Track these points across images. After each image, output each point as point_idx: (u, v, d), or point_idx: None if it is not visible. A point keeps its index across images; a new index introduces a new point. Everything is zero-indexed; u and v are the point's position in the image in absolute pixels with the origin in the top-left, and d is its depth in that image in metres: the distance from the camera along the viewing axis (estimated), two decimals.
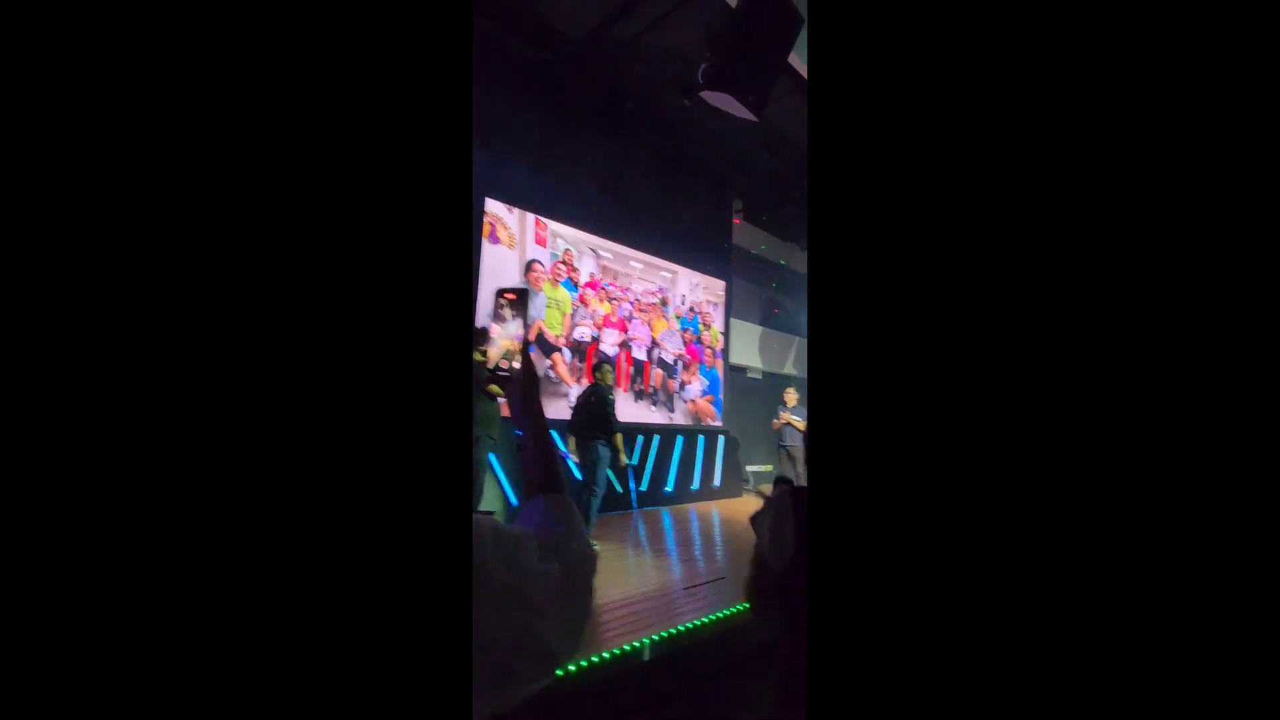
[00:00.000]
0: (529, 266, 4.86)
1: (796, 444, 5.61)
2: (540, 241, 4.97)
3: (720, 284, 6.80)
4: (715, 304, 6.75)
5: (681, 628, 2.48)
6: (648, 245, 5.89)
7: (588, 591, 0.53)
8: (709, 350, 6.59)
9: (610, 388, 4.11)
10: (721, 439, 6.55)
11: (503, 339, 0.63)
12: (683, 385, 6.20)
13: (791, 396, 5.83)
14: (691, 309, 6.42)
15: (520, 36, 4.42)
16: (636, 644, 2.30)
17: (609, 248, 5.56)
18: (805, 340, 8.18)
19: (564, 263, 5.13)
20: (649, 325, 5.90)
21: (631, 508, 5.27)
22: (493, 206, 4.57)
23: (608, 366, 4.22)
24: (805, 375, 7.81)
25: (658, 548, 4.07)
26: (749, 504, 6.11)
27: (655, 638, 2.36)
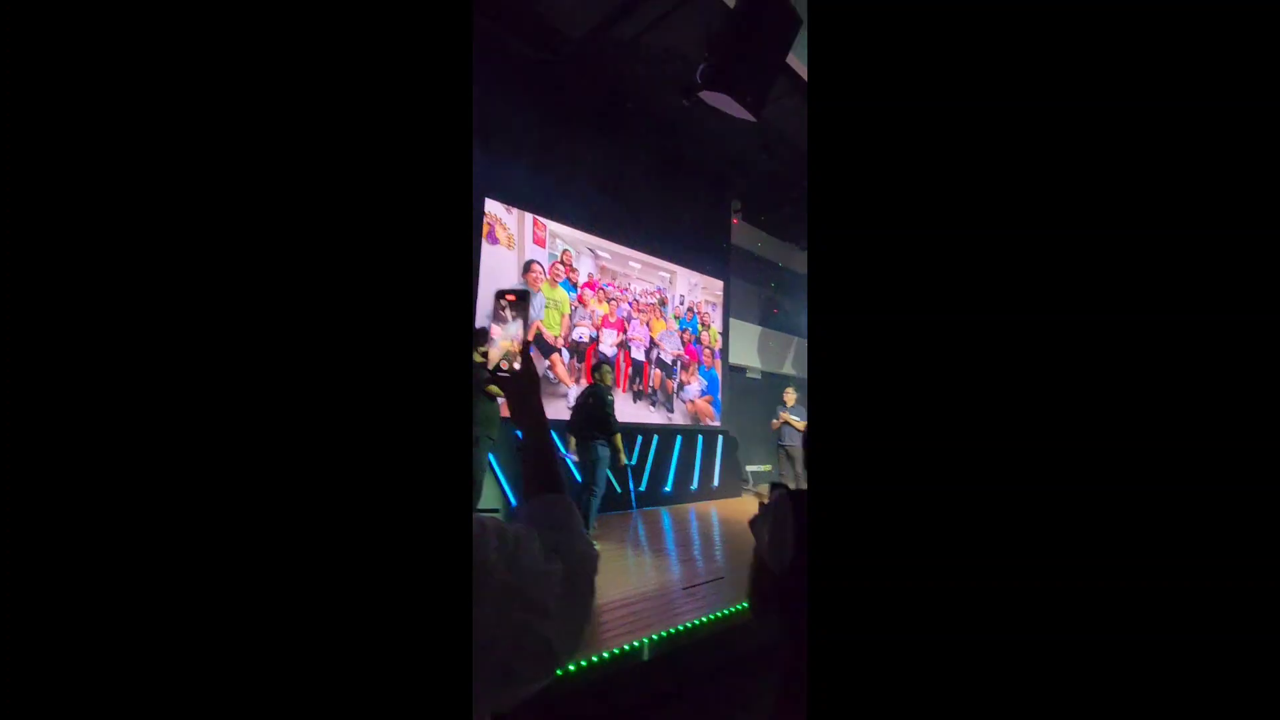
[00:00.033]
0: (527, 267, 4.86)
1: (795, 444, 5.62)
2: (539, 242, 4.96)
3: (719, 284, 6.81)
4: (714, 304, 6.75)
5: (680, 627, 2.48)
6: (646, 245, 5.90)
7: (589, 591, 0.53)
8: (707, 350, 6.60)
9: (609, 388, 4.11)
10: (720, 439, 6.55)
11: (503, 340, 0.63)
12: (681, 386, 6.20)
13: (790, 396, 5.84)
14: (690, 309, 6.42)
15: (519, 36, 4.42)
16: (636, 644, 2.30)
17: (608, 248, 5.55)
18: (803, 340, 8.22)
19: (562, 263, 5.13)
20: (647, 325, 5.90)
21: (631, 508, 5.27)
22: (491, 206, 4.57)
23: (607, 367, 4.23)
24: (804, 375, 7.84)
25: (657, 548, 4.07)
26: (748, 504, 6.12)
27: (654, 637, 2.36)
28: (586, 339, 5.26)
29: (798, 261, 8.52)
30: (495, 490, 4.26)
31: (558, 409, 4.71)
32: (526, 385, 0.62)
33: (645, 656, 2.31)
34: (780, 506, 1.03)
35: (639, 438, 5.51)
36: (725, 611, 2.69)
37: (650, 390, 5.86)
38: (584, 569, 0.52)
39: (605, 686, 2.16)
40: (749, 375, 7.61)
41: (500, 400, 3.43)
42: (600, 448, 3.88)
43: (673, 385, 6.10)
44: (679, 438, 5.99)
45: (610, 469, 4.08)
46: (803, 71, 4.47)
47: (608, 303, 5.51)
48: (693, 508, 5.78)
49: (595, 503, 3.90)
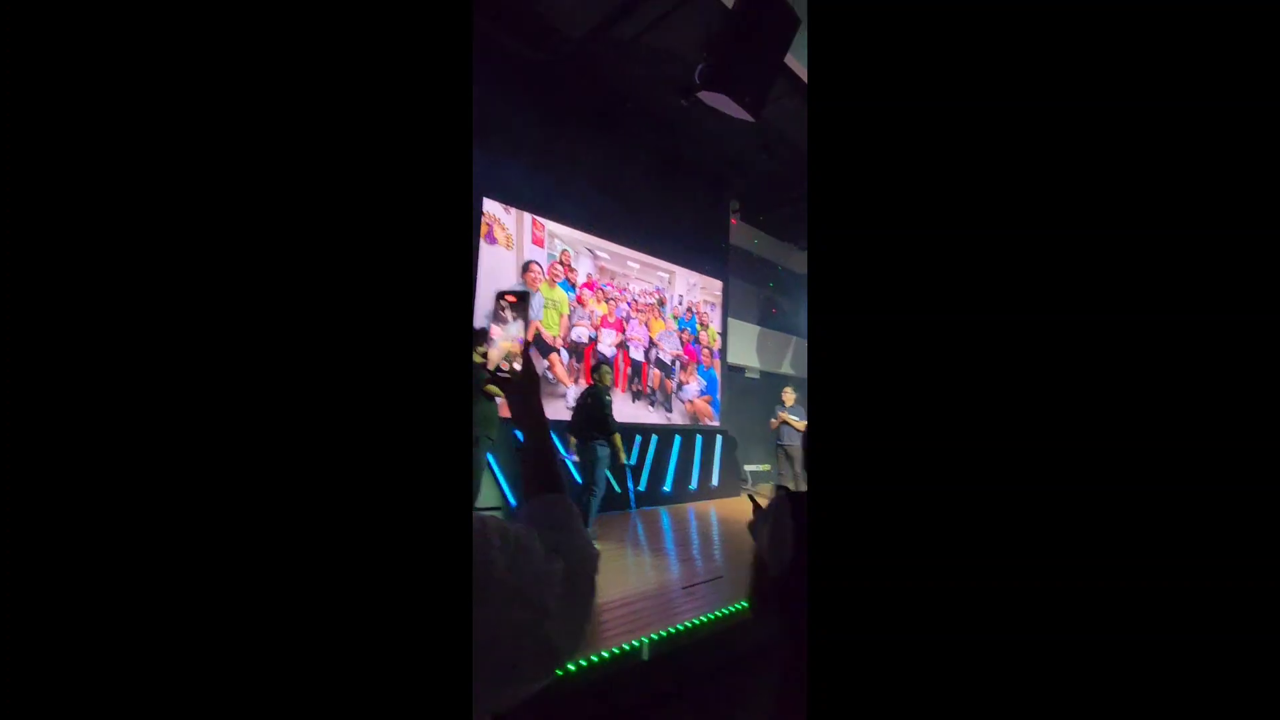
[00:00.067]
0: (526, 267, 4.85)
1: (794, 443, 5.62)
2: (537, 242, 4.96)
3: (717, 284, 6.81)
4: (712, 304, 6.75)
5: (680, 627, 2.48)
6: (645, 245, 5.89)
7: (590, 590, 0.53)
8: (706, 350, 6.60)
9: (608, 388, 4.11)
10: (719, 439, 6.55)
11: (504, 340, 0.63)
12: (680, 386, 6.20)
13: (789, 396, 5.84)
14: (689, 309, 6.42)
15: (518, 36, 4.42)
16: (635, 643, 2.30)
17: (606, 248, 5.55)
18: (802, 340, 8.23)
19: (561, 263, 5.13)
20: (646, 326, 5.90)
21: (630, 507, 5.27)
22: (490, 207, 4.57)
23: (606, 367, 4.23)
24: (802, 375, 7.84)
25: (656, 547, 4.07)
26: (746, 503, 6.11)
27: (654, 637, 2.36)
28: (585, 339, 5.26)
29: (796, 261, 8.52)
30: (493, 490, 4.26)
31: (556, 409, 4.71)
32: (527, 386, 0.62)
33: (645, 656, 2.31)
34: (779, 507, 1.03)
35: (638, 437, 5.51)
36: (724, 611, 2.69)
37: (649, 390, 5.86)
38: (585, 568, 0.52)
39: (605, 686, 2.16)
40: (748, 375, 7.61)
41: (499, 400, 3.43)
42: (599, 448, 3.89)
43: (671, 385, 6.10)
44: (678, 438, 5.99)
45: (610, 469, 4.08)
46: (801, 72, 4.47)
47: (606, 303, 5.51)
48: (691, 507, 5.78)
49: (595, 503, 3.90)
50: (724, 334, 6.89)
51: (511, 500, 4.28)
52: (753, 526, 1.23)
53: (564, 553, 0.50)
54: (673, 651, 2.41)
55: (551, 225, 5.07)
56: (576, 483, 4.11)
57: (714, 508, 5.81)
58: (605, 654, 2.18)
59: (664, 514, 5.29)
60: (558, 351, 5.01)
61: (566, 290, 5.16)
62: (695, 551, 4.04)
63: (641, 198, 5.78)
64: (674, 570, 3.44)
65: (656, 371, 5.94)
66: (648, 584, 3.09)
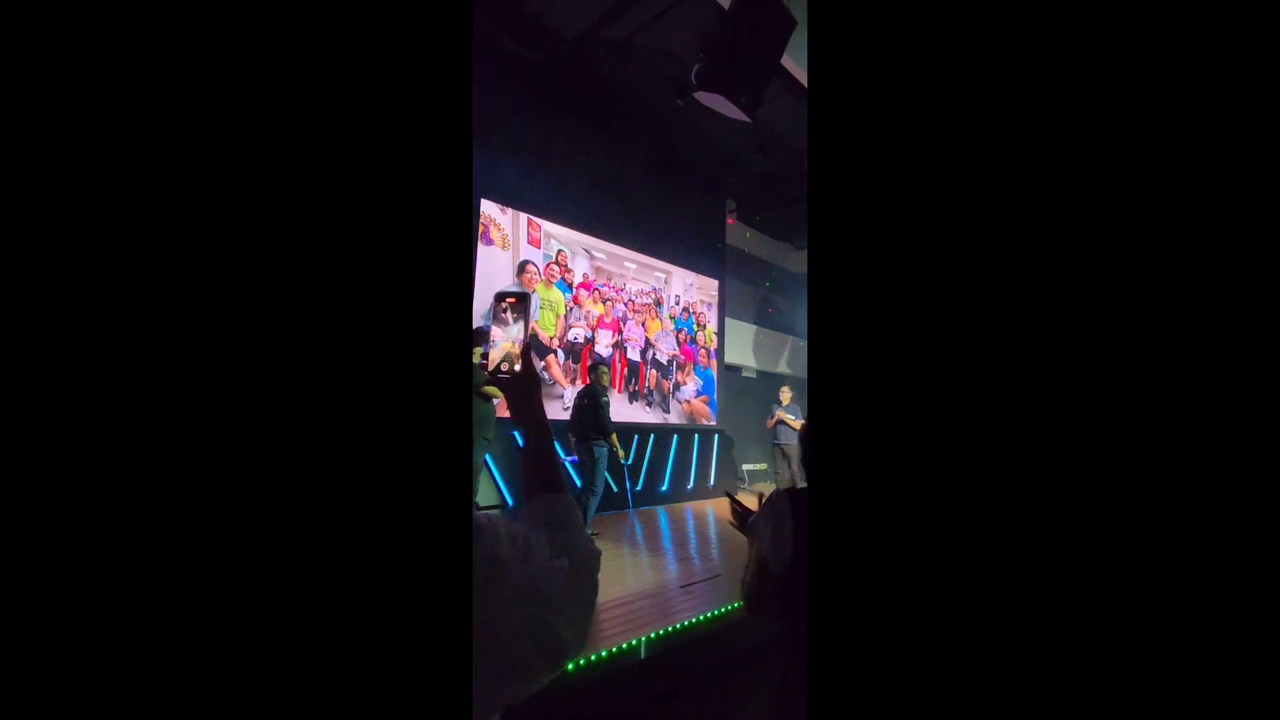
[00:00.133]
0: (522, 267, 4.84)
1: (791, 442, 5.63)
2: (533, 242, 4.95)
3: (714, 284, 6.81)
4: (709, 304, 6.75)
5: (677, 626, 2.49)
6: (642, 245, 5.89)
7: (593, 588, 0.54)
8: (703, 350, 6.60)
9: (605, 389, 4.11)
10: (716, 438, 6.56)
11: (504, 342, 0.63)
12: (677, 386, 6.20)
13: (786, 395, 5.85)
14: (686, 309, 6.42)
15: (514, 36, 4.42)
16: (633, 642, 2.30)
17: (603, 248, 5.55)
18: (798, 339, 8.24)
19: (557, 263, 5.12)
20: (643, 326, 5.90)
21: (628, 507, 5.27)
22: (486, 207, 4.56)
23: (603, 368, 4.23)
24: (798, 374, 7.85)
25: (654, 546, 4.08)
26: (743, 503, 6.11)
27: (651, 636, 2.36)
28: (582, 340, 5.26)
29: (792, 261, 8.54)
30: (491, 489, 4.26)
31: (553, 410, 4.70)
32: (527, 387, 0.63)
33: (642, 655, 2.31)
34: (779, 505, 1.03)
35: (635, 437, 5.52)
36: (722, 610, 2.69)
37: (646, 391, 5.86)
38: (587, 566, 0.53)
39: (603, 685, 2.16)
40: (744, 374, 7.62)
41: (496, 401, 3.43)
42: (597, 449, 3.90)
43: (668, 385, 6.10)
44: (675, 437, 5.99)
45: (608, 469, 4.08)
46: (796, 72, 4.48)
47: (603, 303, 5.51)
48: (689, 506, 5.78)
49: (594, 502, 3.91)
50: (720, 334, 6.89)
51: (509, 500, 4.28)
52: (740, 524, 1.23)
53: (567, 551, 0.51)
54: (670, 650, 2.41)
55: (548, 225, 5.06)
56: (575, 484, 4.11)
57: (711, 507, 5.81)
58: (603, 653, 2.18)
59: (661, 513, 5.30)
60: (554, 352, 5.01)
61: (563, 291, 5.16)
62: (692, 551, 4.04)
63: (638, 198, 5.78)
64: (671, 569, 3.45)
65: (653, 372, 5.94)
66: (645, 583, 3.09)
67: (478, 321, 3.97)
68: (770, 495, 1.08)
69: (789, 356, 8.31)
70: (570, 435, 4.04)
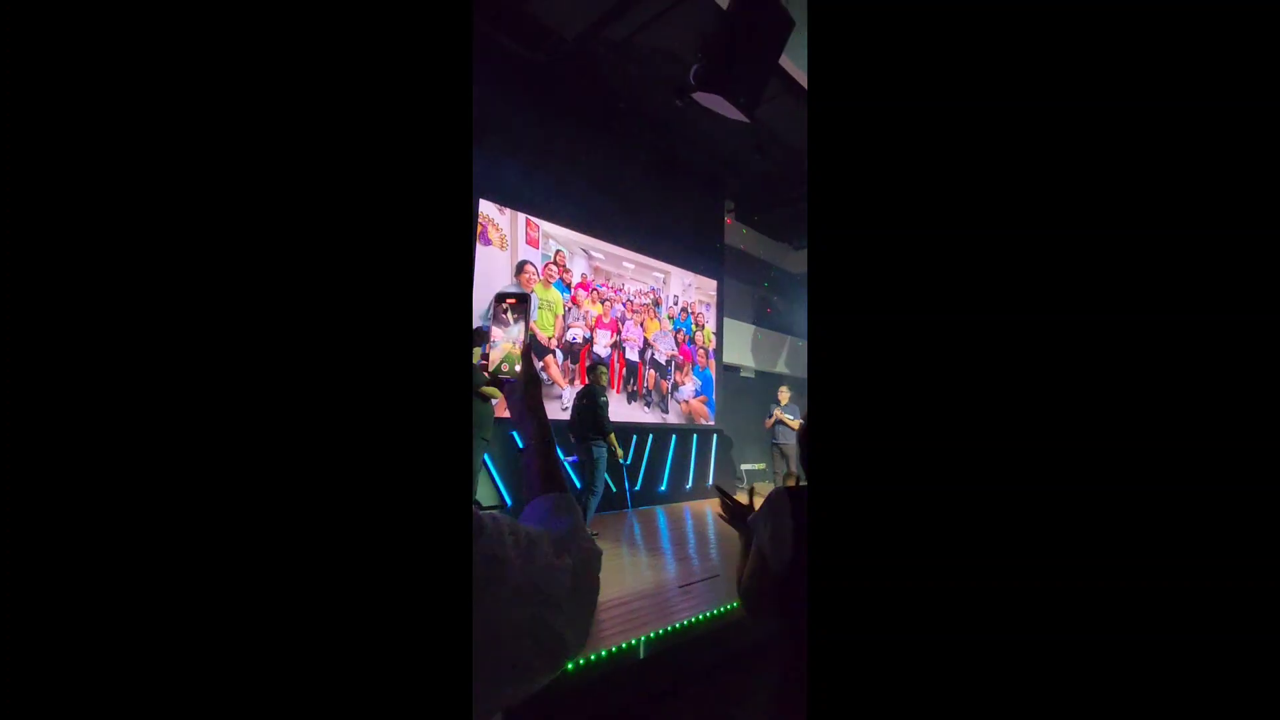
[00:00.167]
0: (520, 268, 4.84)
1: (789, 441, 5.64)
2: (532, 243, 4.95)
3: (712, 284, 6.81)
4: (708, 304, 6.75)
5: (676, 625, 2.49)
6: (640, 246, 5.89)
7: (594, 586, 0.55)
8: (702, 351, 6.60)
9: (603, 389, 4.11)
10: (715, 438, 6.56)
11: (505, 343, 0.63)
12: (676, 386, 6.20)
13: (784, 395, 5.86)
14: (684, 309, 6.42)
15: (512, 36, 4.41)
16: (632, 642, 2.30)
17: (601, 248, 5.55)
18: (796, 339, 8.24)
19: (556, 264, 5.12)
20: (641, 326, 5.90)
21: (627, 507, 5.28)
22: (484, 207, 4.55)
23: (602, 368, 4.23)
24: (796, 374, 7.86)
25: (652, 546, 4.08)
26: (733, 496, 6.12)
27: (650, 636, 2.36)
28: (580, 340, 5.26)
29: (791, 261, 8.55)
30: (489, 489, 4.26)
31: (552, 410, 4.70)
32: (528, 387, 0.63)
33: (641, 655, 2.31)
34: (779, 503, 1.03)
35: (633, 437, 5.52)
36: (721, 609, 2.70)
37: (645, 391, 5.86)
38: (589, 565, 0.54)
39: (602, 685, 2.16)
40: (743, 374, 7.63)
41: (495, 401, 3.43)
42: (596, 449, 3.90)
43: (667, 386, 6.10)
44: (674, 437, 6.00)
45: (608, 469, 4.09)
46: (795, 73, 4.49)
47: (601, 303, 5.51)
48: (687, 506, 5.79)
49: (594, 502, 3.91)
50: (719, 334, 6.89)
51: (508, 500, 4.28)
52: (730, 518, 1.23)
53: (569, 551, 0.51)
54: (669, 650, 2.41)
55: (546, 226, 5.06)
56: (574, 484, 4.11)
57: (709, 507, 5.82)
58: (603, 653, 2.18)
59: (660, 513, 5.30)
60: (553, 353, 5.01)
61: (561, 291, 5.15)
62: (691, 550, 4.04)
63: (636, 198, 5.78)
64: (670, 569, 3.45)
65: (652, 372, 5.94)
66: (644, 583, 3.10)
67: (476, 322, 3.97)
68: (770, 494, 1.08)
69: (787, 356, 8.32)
70: (570, 435, 4.04)
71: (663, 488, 5.81)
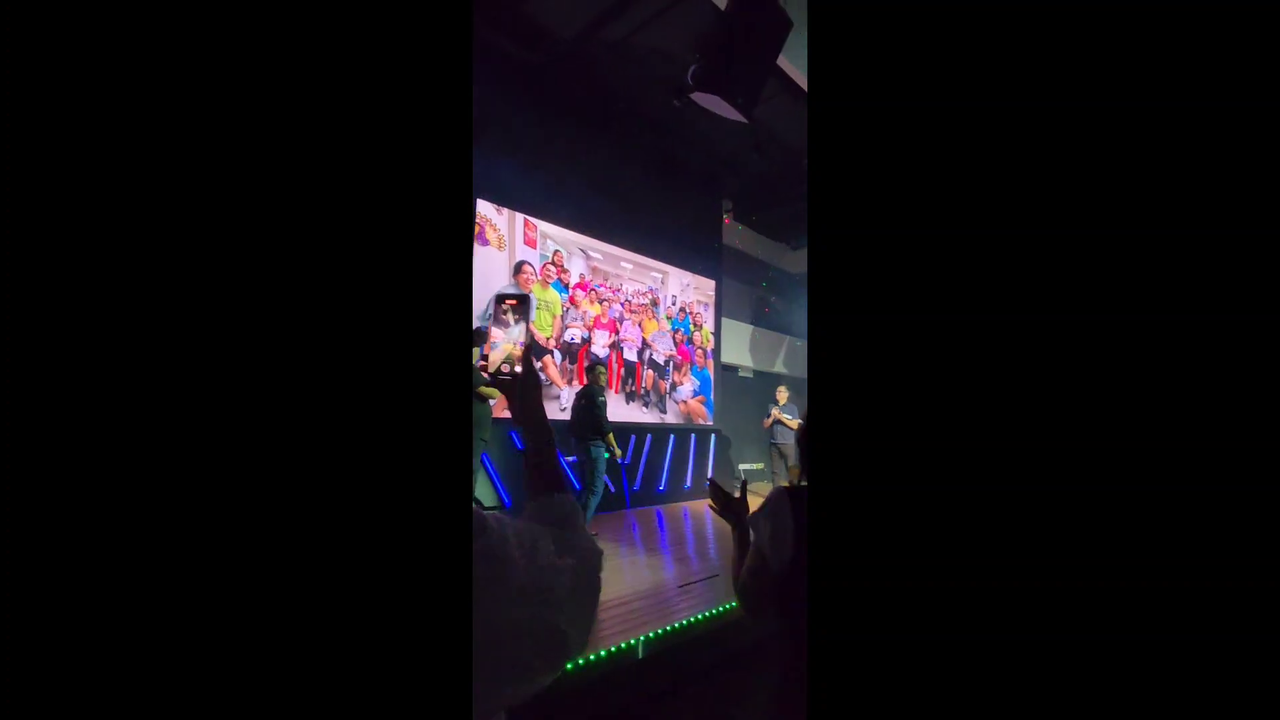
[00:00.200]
0: (518, 268, 4.84)
1: (788, 441, 5.64)
2: (530, 243, 4.95)
3: (711, 284, 6.81)
4: (706, 304, 6.76)
5: (675, 625, 2.49)
6: (638, 245, 5.89)
7: (595, 586, 0.55)
8: (700, 351, 6.60)
9: (601, 389, 4.11)
10: (713, 438, 6.57)
11: (505, 343, 0.63)
12: (674, 386, 6.20)
13: (783, 394, 5.86)
14: (682, 309, 6.42)
15: (510, 36, 4.41)
16: (631, 642, 2.30)
17: (599, 248, 5.54)
18: (794, 339, 8.24)
19: (554, 264, 5.12)
20: (640, 326, 5.89)
21: (625, 507, 5.28)
22: (482, 207, 4.55)
23: (601, 368, 4.23)
24: (794, 373, 7.85)
25: (651, 546, 4.08)
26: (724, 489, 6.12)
27: (649, 635, 2.36)
28: (579, 340, 5.25)
29: (789, 261, 8.55)
30: (488, 490, 4.26)
31: (551, 410, 4.70)
32: (528, 388, 0.63)
33: (640, 655, 2.31)
34: (779, 503, 1.03)
35: (632, 437, 5.52)
36: (720, 609, 2.70)
37: (643, 391, 5.86)
38: (590, 565, 0.54)
39: (601, 685, 2.16)
40: (741, 374, 7.63)
41: (492, 402, 3.43)
42: (595, 449, 3.90)
43: (665, 386, 6.10)
44: (672, 437, 5.99)
45: (607, 470, 4.09)
46: (793, 73, 4.49)
47: (600, 304, 5.51)
48: (686, 506, 5.79)
49: (594, 502, 3.92)
50: (717, 334, 6.89)
51: (507, 500, 4.28)
52: (721, 509, 1.23)
53: (571, 551, 0.51)
54: (668, 650, 2.41)
55: (544, 226, 5.05)
56: (574, 485, 4.12)
57: (708, 506, 5.82)
58: (602, 653, 2.18)
59: (659, 513, 5.30)
60: (551, 353, 5.00)
61: (559, 291, 5.15)
62: (690, 550, 4.04)
63: (635, 198, 5.77)
64: (669, 569, 3.45)
65: (650, 372, 5.94)
66: (643, 583, 3.09)
67: (474, 322, 3.97)
68: (770, 493, 1.08)
69: (785, 356, 8.32)
70: (570, 436, 4.04)
71: (661, 488, 5.81)
